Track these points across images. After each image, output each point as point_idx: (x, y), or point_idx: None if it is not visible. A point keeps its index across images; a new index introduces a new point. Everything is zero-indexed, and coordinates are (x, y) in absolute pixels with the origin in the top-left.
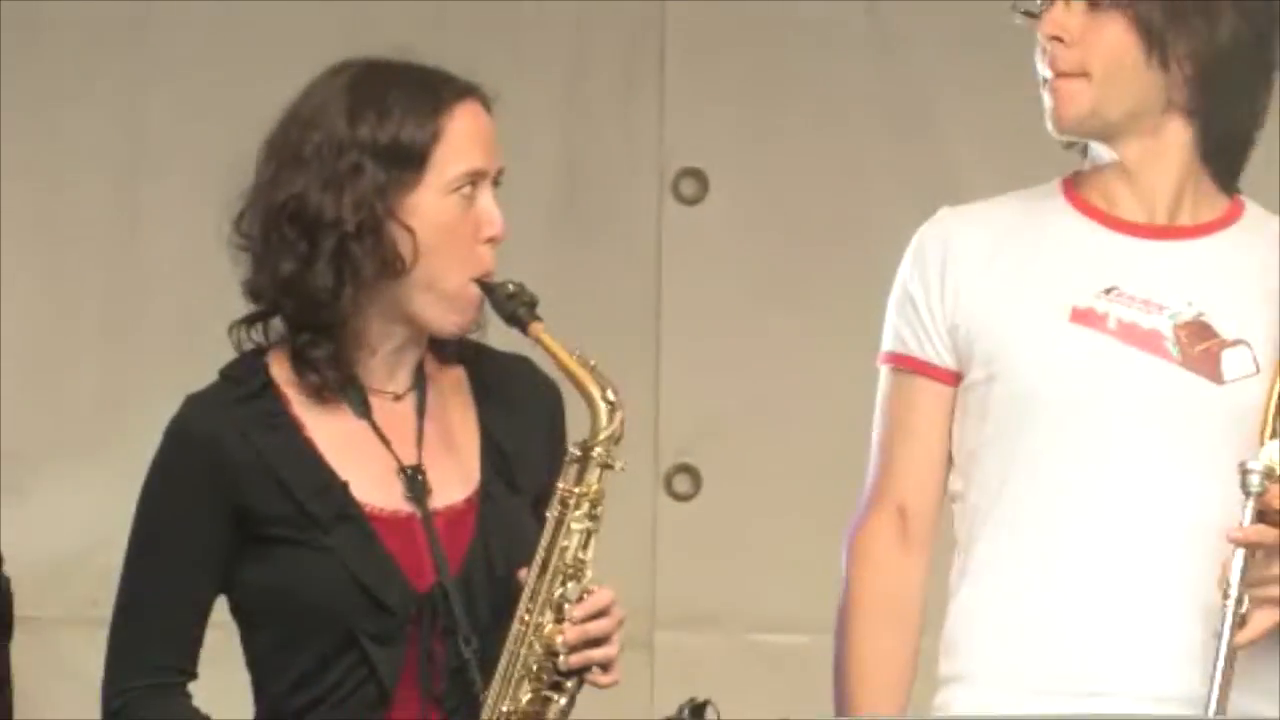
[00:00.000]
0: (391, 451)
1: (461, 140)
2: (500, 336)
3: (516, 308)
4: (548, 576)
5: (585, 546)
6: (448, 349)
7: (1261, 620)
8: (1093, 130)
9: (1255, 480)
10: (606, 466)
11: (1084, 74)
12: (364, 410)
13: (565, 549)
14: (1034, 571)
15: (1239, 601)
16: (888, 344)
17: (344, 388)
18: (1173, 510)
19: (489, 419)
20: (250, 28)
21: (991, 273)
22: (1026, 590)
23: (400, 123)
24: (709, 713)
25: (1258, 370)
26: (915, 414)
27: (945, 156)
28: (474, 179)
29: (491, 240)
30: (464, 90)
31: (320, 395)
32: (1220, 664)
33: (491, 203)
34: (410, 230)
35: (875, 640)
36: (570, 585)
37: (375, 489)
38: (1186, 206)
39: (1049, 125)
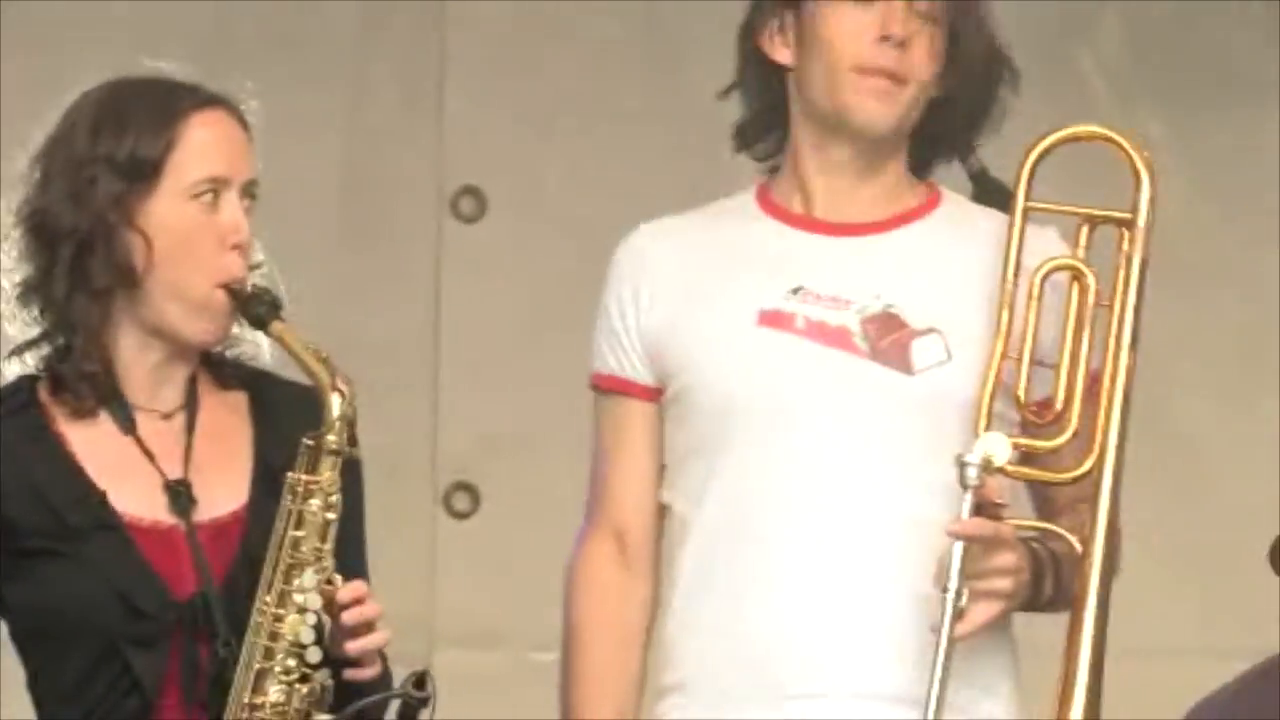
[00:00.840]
0: (156, 466)
1: (198, 147)
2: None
3: (258, 308)
4: (282, 567)
5: (324, 538)
6: (228, 373)
7: (980, 613)
8: (889, 135)
9: (972, 473)
10: (336, 454)
11: (909, 81)
12: (129, 426)
13: (300, 539)
14: (741, 577)
15: (958, 595)
16: (594, 365)
17: (107, 404)
18: (875, 504)
19: (263, 440)
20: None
21: (681, 283)
22: (735, 596)
23: (136, 134)
24: (428, 685)
25: (949, 358)
26: (624, 434)
27: (728, 169)
28: (215, 186)
29: (237, 247)
30: (204, 100)
31: (80, 413)
32: (940, 659)
33: (236, 209)
34: (147, 238)
35: (597, 661)
36: (308, 574)
37: (136, 501)
38: (881, 201)
39: (859, 119)
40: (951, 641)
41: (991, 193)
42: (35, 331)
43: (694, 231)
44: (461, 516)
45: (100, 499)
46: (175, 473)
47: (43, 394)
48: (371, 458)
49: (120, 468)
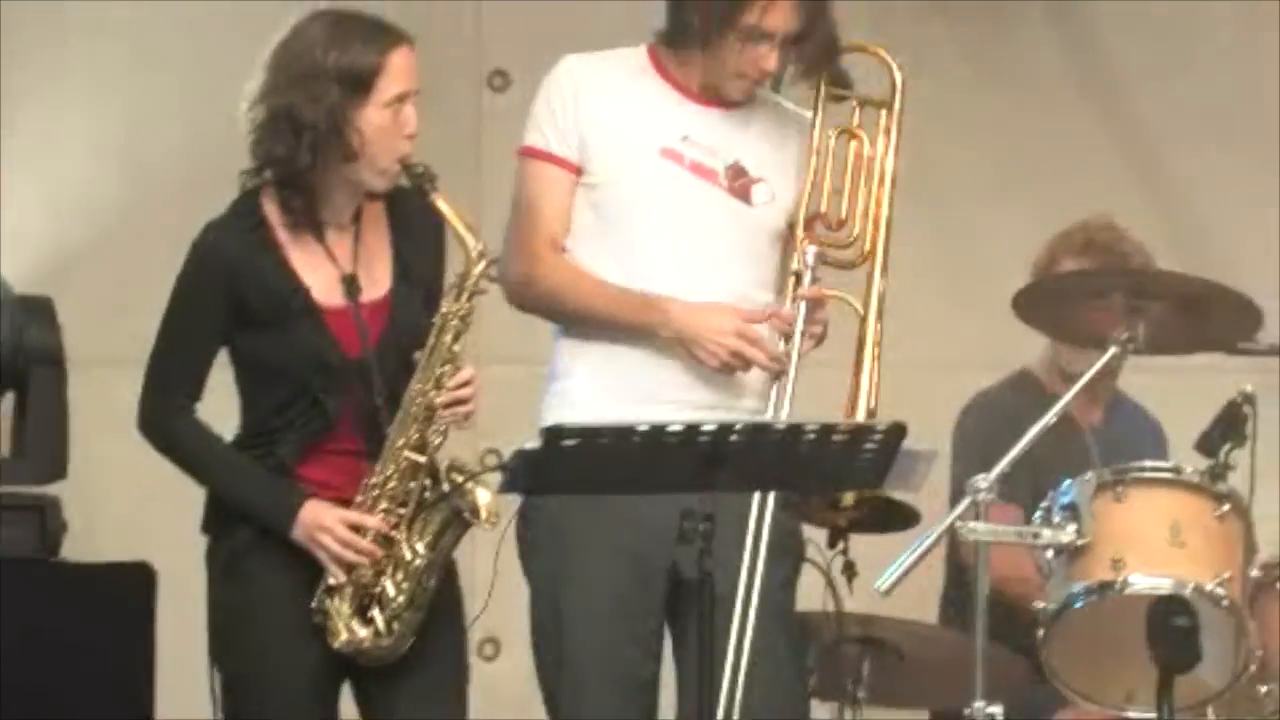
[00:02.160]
0: (337, 265)
1: (395, 72)
2: None
3: (422, 181)
4: (432, 360)
5: (457, 341)
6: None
7: (807, 345)
8: None
9: (810, 258)
10: (478, 293)
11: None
12: (321, 238)
13: (444, 343)
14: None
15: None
16: (531, 140)
17: (310, 223)
18: (719, 282)
19: (397, 239)
20: None
21: (605, 105)
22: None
23: (355, 57)
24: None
25: (773, 198)
26: (553, 187)
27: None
28: (401, 98)
29: (410, 136)
30: (399, 37)
31: (294, 229)
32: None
33: (412, 112)
34: (361, 132)
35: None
36: (447, 367)
37: (326, 291)
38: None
39: (737, 86)
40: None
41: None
42: None
43: (610, 72)
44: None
45: (306, 293)
46: (348, 267)
47: (268, 212)
48: None
49: (316, 266)
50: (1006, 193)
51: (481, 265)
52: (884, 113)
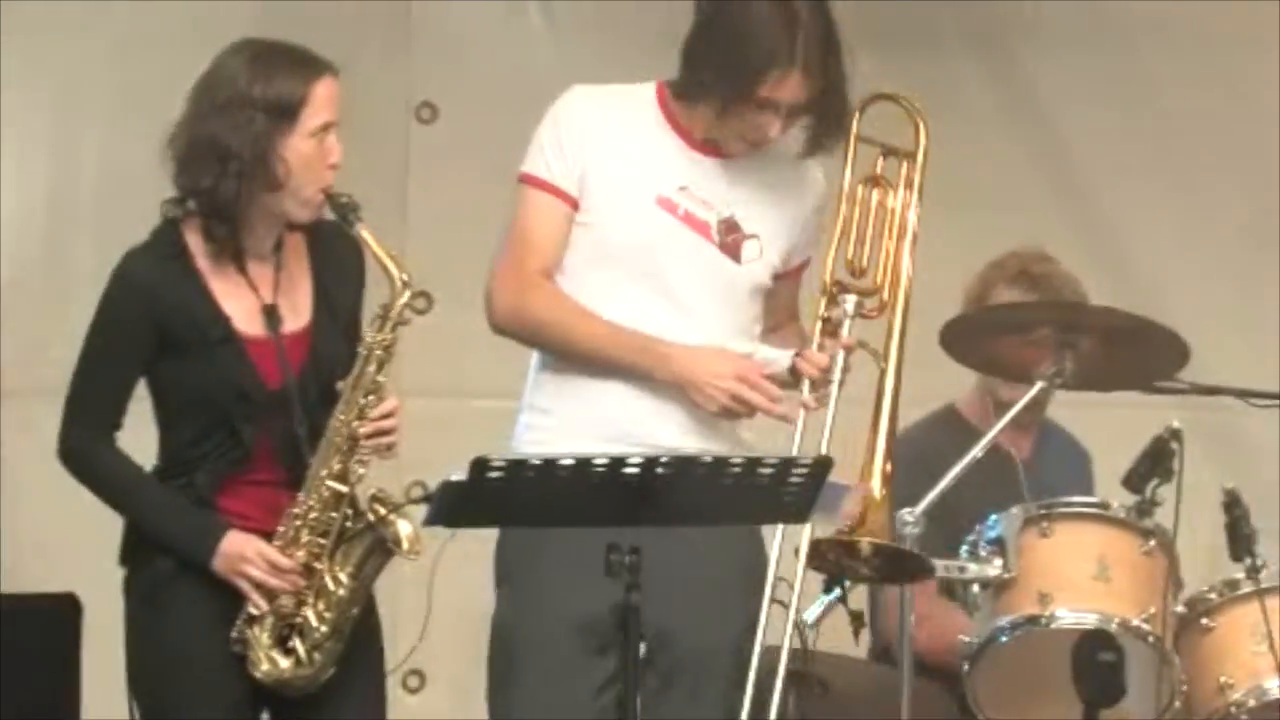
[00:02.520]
0: (258, 295)
1: (320, 102)
2: None
3: (346, 211)
4: (356, 390)
5: (381, 371)
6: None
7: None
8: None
9: (849, 307)
10: (401, 323)
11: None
12: (242, 268)
13: (368, 373)
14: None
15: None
16: (532, 168)
17: (232, 254)
18: (697, 334)
19: (318, 269)
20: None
21: (608, 145)
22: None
23: (281, 87)
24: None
25: (761, 255)
26: (550, 216)
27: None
28: (326, 127)
29: (333, 166)
30: (324, 68)
31: (216, 258)
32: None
33: (335, 142)
34: (285, 161)
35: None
36: (371, 398)
37: (247, 321)
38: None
39: (737, 148)
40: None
41: None
42: None
43: (616, 111)
44: None
45: (227, 322)
46: (269, 298)
47: (190, 242)
48: None
49: (237, 297)
50: (932, 223)
51: (405, 296)
52: (906, 164)
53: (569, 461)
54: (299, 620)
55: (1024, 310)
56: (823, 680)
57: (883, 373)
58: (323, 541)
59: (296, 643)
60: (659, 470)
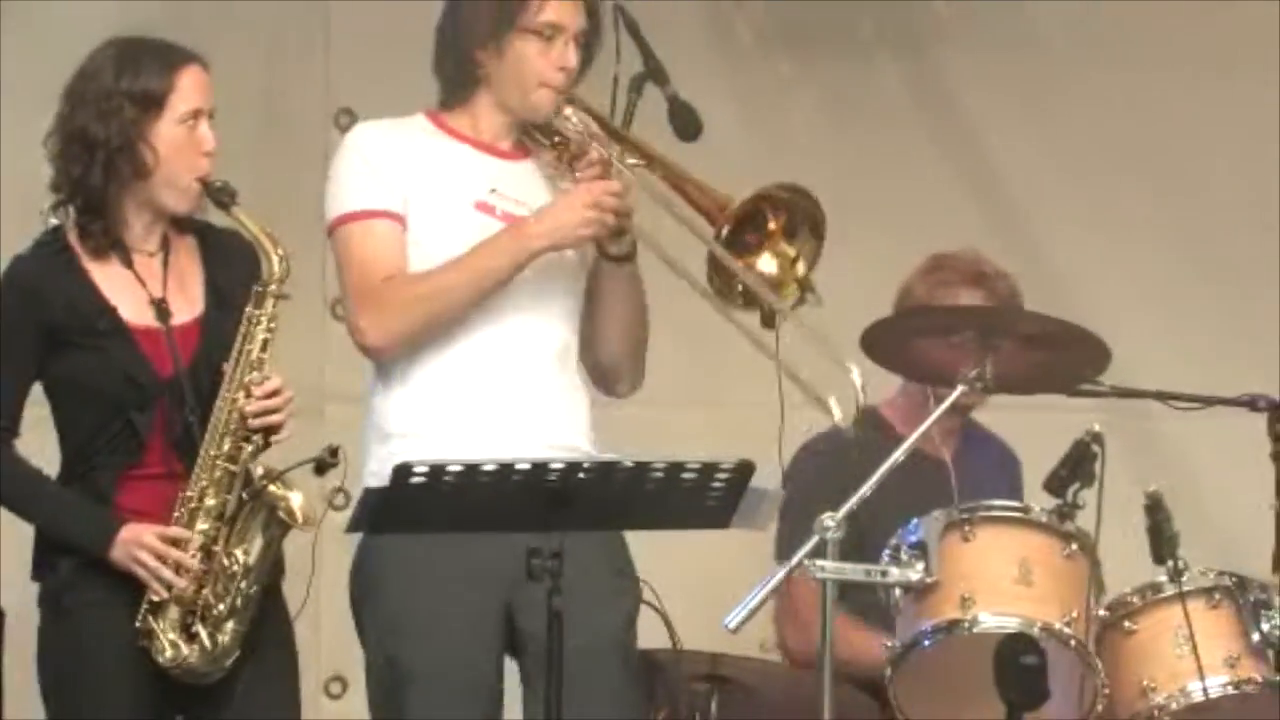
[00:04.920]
0: (146, 289)
1: (187, 90)
2: None
3: (222, 195)
4: (239, 368)
5: (264, 349)
6: (183, 224)
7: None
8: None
9: None
10: (280, 297)
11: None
12: (128, 263)
13: (250, 350)
14: (464, 364)
15: None
16: (351, 206)
17: (114, 248)
18: (536, 323)
19: (210, 265)
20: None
21: (415, 166)
22: (458, 374)
23: (147, 78)
24: (339, 455)
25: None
26: (393, 243)
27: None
28: (196, 114)
29: (207, 154)
30: (188, 57)
31: (97, 254)
32: None
33: (208, 131)
34: (154, 149)
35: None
36: (254, 374)
37: (134, 312)
38: (511, 139)
39: (534, 108)
40: None
41: (680, 111)
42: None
43: (406, 135)
44: None
45: (113, 312)
46: (157, 292)
47: (71, 239)
48: None
49: (123, 290)
50: (849, 225)
51: (280, 268)
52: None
53: (490, 467)
54: (200, 604)
55: (946, 314)
56: (745, 685)
57: None
58: (218, 524)
59: (199, 627)
60: (580, 475)
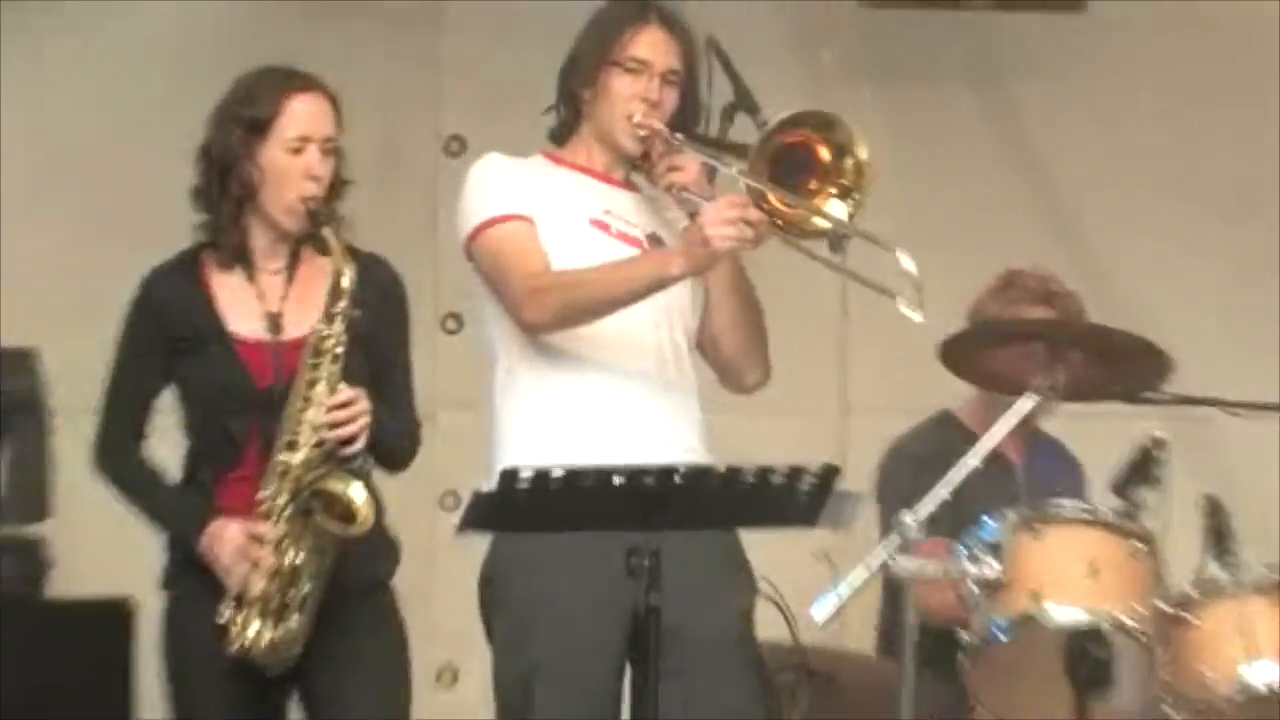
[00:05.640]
0: (262, 303)
1: (293, 116)
2: None
3: (317, 216)
4: (301, 379)
5: (335, 362)
6: (326, 247)
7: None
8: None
9: None
10: (345, 316)
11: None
12: (250, 277)
13: (319, 364)
14: (580, 371)
15: None
16: (493, 212)
17: (240, 262)
18: (649, 336)
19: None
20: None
21: (537, 187)
22: (577, 382)
23: (258, 105)
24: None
25: None
26: (533, 241)
27: None
28: (304, 139)
29: (313, 178)
30: (301, 83)
31: (223, 266)
32: None
33: (317, 156)
34: (261, 169)
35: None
36: (321, 385)
37: (246, 325)
38: (622, 170)
39: (622, 138)
40: None
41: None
42: None
43: (526, 164)
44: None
45: (221, 322)
46: (275, 307)
47: (204, 256)
48: None
49: (241, 302)
50: (925, 244)
51: (347, 285)
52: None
53: (592, 472)
54: (267, 598)
55: (1018, 326)
56: (829, 675)
57: None
58: (284, 525)
59: (259, 620)
60: (675, 480)
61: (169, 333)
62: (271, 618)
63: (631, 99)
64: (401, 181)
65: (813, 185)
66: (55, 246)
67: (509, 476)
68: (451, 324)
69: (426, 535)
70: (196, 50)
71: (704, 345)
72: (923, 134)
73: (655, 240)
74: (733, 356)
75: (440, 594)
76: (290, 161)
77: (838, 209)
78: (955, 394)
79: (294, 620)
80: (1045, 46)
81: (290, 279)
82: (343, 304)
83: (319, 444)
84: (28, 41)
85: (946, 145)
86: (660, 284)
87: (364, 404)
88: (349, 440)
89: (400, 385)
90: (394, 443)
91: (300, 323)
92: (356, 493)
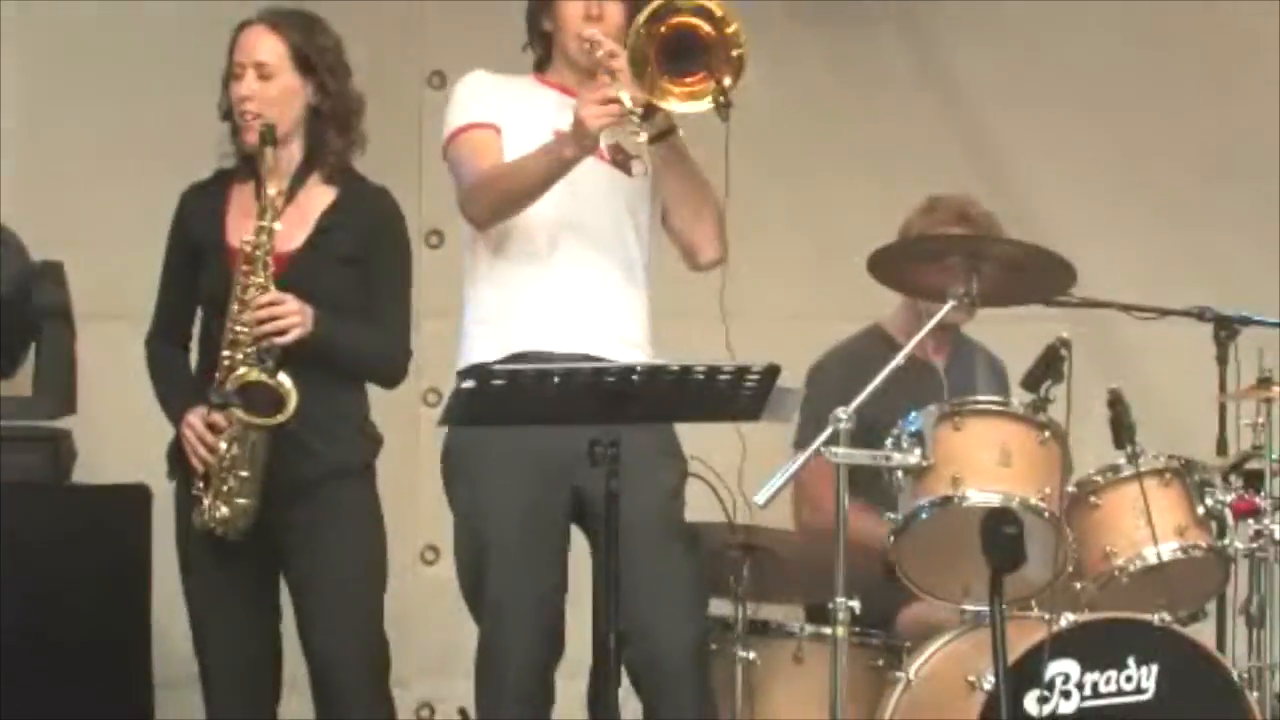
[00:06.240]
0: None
1: (237, 47)
2: None
3: (263, 136)
4: (235, 286)
5: (265, 269)
6: (330, 174)
7: None
8: None
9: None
10: (265, 230)
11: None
12: (258, 195)
13: (243, 270)
14: (540, 264)
15: None
16: (464, 119)
17: (254, 177)
18: (604, 240)
19: (331, 212)
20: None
21: (509, 101)
22: (536, 275)
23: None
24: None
25: (647, 172)
26: (492, 149)
27: None
28: (240, 68)
29: (241, 98)
30: (247, 20)
31: (241, 180)
32: None
33: (248, 81)
34: (229, 97)
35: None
36: (250, 291)
37: (240, 239)
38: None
39: (579, 58)
40: None
41: None
42: None
43: (508, 81)
44: None
45: (223, 232)
46: (268, 223)
47: (232, 174)
48: None
49: (246, 215)
50: (859, 170)
51: (269, 211)
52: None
53: (560, 369)
54: (216, 478)
55: (938, 241)
56: (773, 552)
57: None
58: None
59: (210, 496)
60: (634, 377)
61: (192, 243)
62: (222, 498)
63: (577, 19)
64: (388, 112)
65: (702, 62)
66: (77, 166)
67: (485, 374)
68: (434, 239)
69: (411, 428)
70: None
71: (666, 227)
72: (858, 72)
73: (616, 149)
74: (681, 232)
75: (424, 482)
76: (234, 87)
77: (685, 105)
78: (885, 302)
79: (241, 500)
80: None
81: (291, 199)
82: (267, 216)
83: (254, 341)
84: None
85: (878, 83)
86: (563, 165)
87: (291, 305)
88: (280, 334)
89: (388, 309)
90: (371, 362)
91: (288, 239)
92: (283, 379)
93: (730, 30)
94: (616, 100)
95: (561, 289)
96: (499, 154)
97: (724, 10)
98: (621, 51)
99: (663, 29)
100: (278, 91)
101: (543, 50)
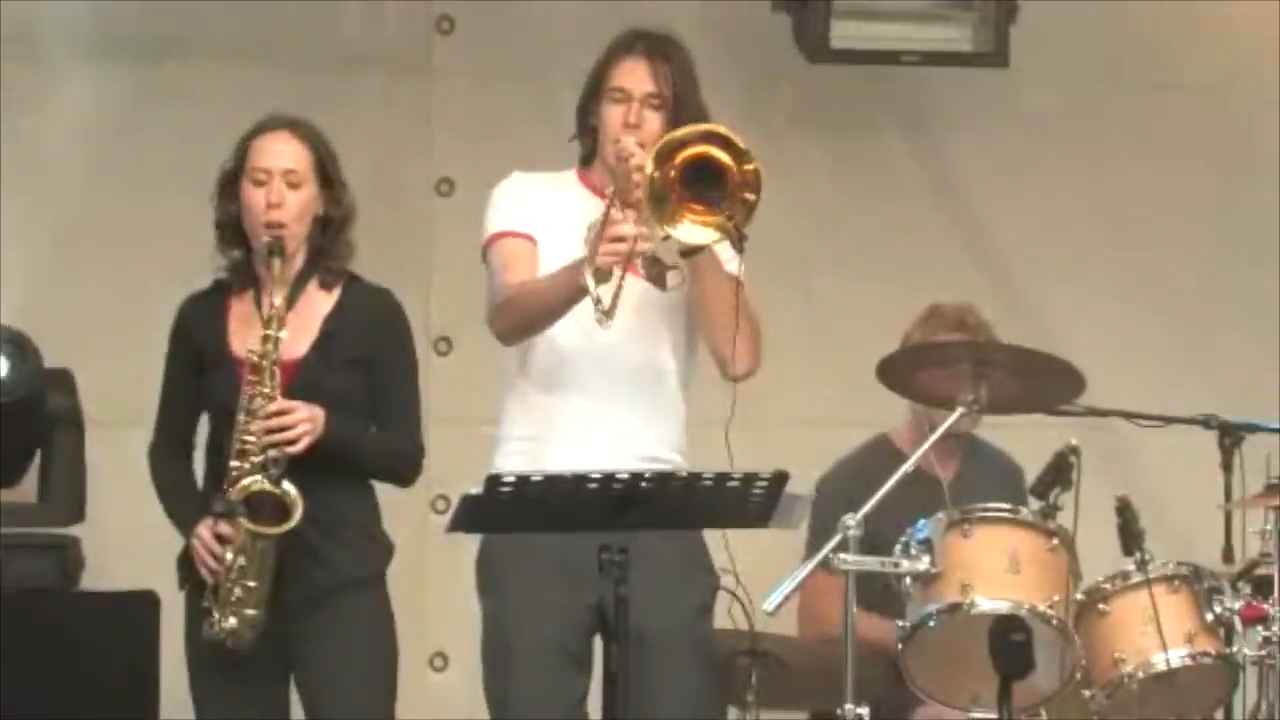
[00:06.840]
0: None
1: (257, 154)
2: None
3: (271, 247)
4: (242, 397)
5: (273, 379)
6: (331, 279)
7: None
8: None
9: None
10: (271, 340)
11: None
12: (258, 302)
13: (250, 381)
14: (568, 392)
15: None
16: (499, 228)
17: (252, 287)
18: (635, 354)
19: (334, 318)
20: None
21: (545, 206)
22: (565, 397)
23: (235, 151)
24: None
25: (684, 281)
26: (524, 259)
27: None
28: (266, 173)
29: (269, 205)
30: (267, 126)
31: (239, 291)
32: None
33: (273, 189)
34: (239, 202)
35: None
36: (256, 401)
37: (245, 344)
38: None
39: (613, 153)
40: None
41: None
42: None
43: (545, 182)
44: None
45: (227, 340)
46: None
47: (229, 284)
48: None
49: (247, 325)
50: (865, 276)
51: (274, 321)
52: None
53: (568, 477)
54: (223, 589)
55: (946, 348)
56: (781, 659)
57: None
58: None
59: (219, 609)
60: (643, 484)
61: (193, 353)
62: (229, 609)
63: (617, 124)
64: (397, 219)
65: (720, 193)
66: (88, 278)
67: (493, 481)
68: (443, 347)
69: (419, 535)
70: (207, 95)
71: (701, 336)
72: (863, 180)
73: (653, 262)
74: (713, 343)
75: (432, 588)
76: (253, 194)
77: (693, 233)
78: (894, 409)
79: (249, 611)
80: (971, 100)
81: (292, 305)
82: (273, 326)
83: (262, 450)
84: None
85: (884, 190)
86: (579, 292)
87: (301, 413)
88: (290, 444)
89: (397, 410)
90: (384, 461)
91: (292, 347)
92: (288, 488)
93: (749, 168)
94: (622, 239)
95: (586, 414)
96: (530, 265)
97: (745, 146)
98: (646, 170)
99: (686, 156)
100: (305, 200)
101: (590, 146)
